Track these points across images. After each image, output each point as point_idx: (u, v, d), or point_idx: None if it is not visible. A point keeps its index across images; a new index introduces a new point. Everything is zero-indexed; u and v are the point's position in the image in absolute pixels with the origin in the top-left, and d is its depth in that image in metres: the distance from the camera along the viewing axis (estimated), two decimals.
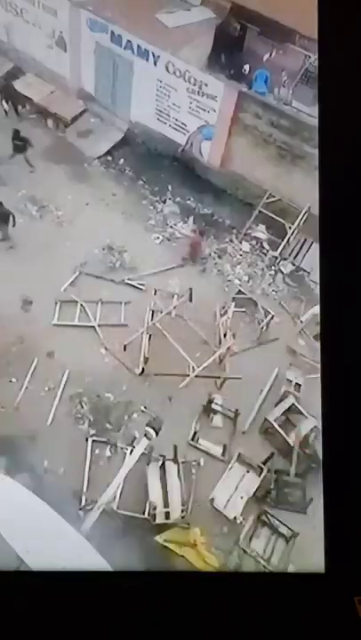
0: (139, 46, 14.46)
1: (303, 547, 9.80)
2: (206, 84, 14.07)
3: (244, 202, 14.99)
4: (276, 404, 11.60)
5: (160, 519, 9.93)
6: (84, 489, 10.27)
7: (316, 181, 8.86)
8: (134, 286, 13.15)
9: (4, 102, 15.65)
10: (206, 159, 15.28)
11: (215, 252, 14.22)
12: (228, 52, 15.02)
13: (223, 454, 11.10)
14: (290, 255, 14.42)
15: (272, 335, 12.89)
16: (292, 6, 13.07)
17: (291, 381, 11.92)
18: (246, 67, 14.90)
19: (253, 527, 10.16)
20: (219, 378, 11.87)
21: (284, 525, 10.12)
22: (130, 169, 15.59)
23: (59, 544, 8.61)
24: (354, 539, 7.78)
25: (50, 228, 13.90)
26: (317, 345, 12.32)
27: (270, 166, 14.39)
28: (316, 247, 13.93)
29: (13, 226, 13.02)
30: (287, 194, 14.33)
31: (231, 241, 14.57)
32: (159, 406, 11.31)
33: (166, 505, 10.06)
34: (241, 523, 10.15)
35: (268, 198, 14.43)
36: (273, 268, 14.25)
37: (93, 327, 12.33)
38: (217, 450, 11.15)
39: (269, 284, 13.99)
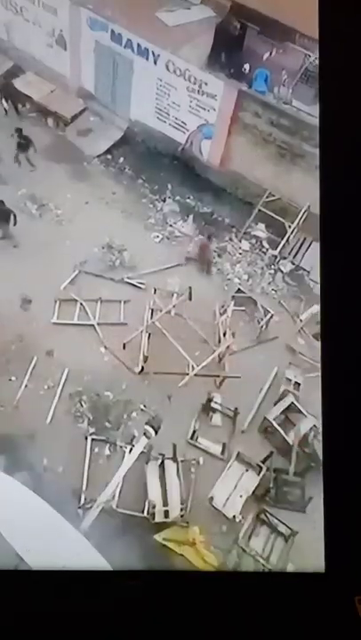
0: (139, 45, 14.46)
1: (302, 545, 9.81)
2: (206, 83, 14.07)
3: (244, 201, 15.00)
4: (276, 403, 11.61)
5: (159, 518, 9.93)
6: (84, 487, 10.27)
7: (316, 180, 8.86)
8: (134, 285, 13.16)
9: (3, 101, 15.65)
10: (206, 158, 15.28)
11: (215, 251, 14.21)
12: (228, 50, 15.00)
13: (222, 453, 11.11)
14: (289, 254, 14.43)
15: (271, 334, 12.90)
16: (292, 5, 13.08)
17: (290, 380, 11.93)
18: (246, 66, 14.88)
19: (252, 526, 10.16)
20: (218, 377, 11.87)
21: (283, 524, 10.12)
22: (130, 168, 15.59)
23: (58, 542, 8.63)
24: (354, 538, 7.79)
25: (49, 226, 13.90)
26: (317, 344, 12.39)
27: (270, 165, 14.39)
28: (315, 246, 13.94)
29: (14, 225, 13.03)
30: (287, 193, 14.34)
31: (231, 240, 14.58)
32: (158, 405, 11.31)
33: (165, 503, 10.05)
34: (240, 521, 10.15)
35: (267, 197, 14.44)
36: (273, 266, 14.26)
37: (93, 326, 12.33)
38: (216, 448, 11.16)
39: (269, 283, 14.00)
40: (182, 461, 10.62)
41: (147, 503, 10.04)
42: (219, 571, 9.50)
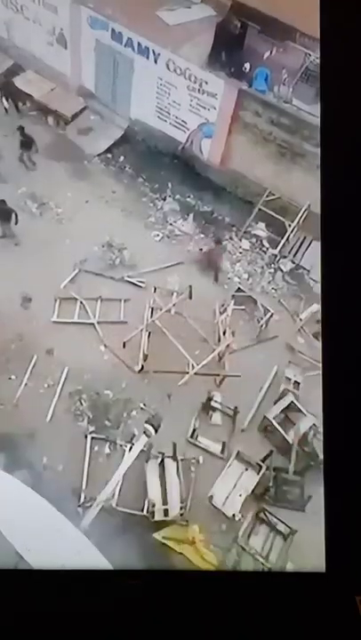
0: (139, 44, 14.46)
1: (301, 544, 9.83)
2: (207, 82, 14.07)
3: (244, 200, 14.99)
4: (276, 402, 11.62)
5: (159, 516, 9.94)
6: (84, 486, 10.27)
7: (316, 179, 8.87)
8: (134, 283, 13.16)
9: (4, 100, 15.64)
10: (206, 157, 15.28)
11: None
12: (229, 49, 14.99)
13: (222, 452, 11.12)
14: (289, 253, 14.43)
15: (271, 333, 12.90)
16: (292, 4, 13.08)
17: (290, 379, 11.94)
18: (247, 65, 14.87)
19: (252, 524, 10.18)
20: (218, 375, 11.88)
21: (283, 523, 10.14)
22: (130, 166, 15.59)
23: (58, 541, 8.65)
24: (354, 538, 7.81)
25: (50, 225, 13.90)
26: (316, 343, 12.43)
27: (270, 164, 14.39)
28: (315, 245, 13.94)
29: (16, 224, 13.06)
30: (287, 192, 14.33)
31: (231, 239, 14.58)
32: (158, 403, 11.31)
33: (165, 502, 10.07)
34: (239, 520, 10.17)
35: (267, 196, 14.44)
36: (273, 265, 14.26)
37: (93, 324, 12.34)
38: (216, 447, 11.17)
39: (269, 282, 14.00)
40: (182, 460, 10.62)
41: (146, 502, 10.05)
42: (219, 570, 9.52)
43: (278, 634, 7.59)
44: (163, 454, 10.54)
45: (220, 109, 14.26)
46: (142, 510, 10.01)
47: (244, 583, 8.40)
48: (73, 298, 12.61)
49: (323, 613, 7.63)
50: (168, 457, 10.54)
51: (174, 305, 12.17)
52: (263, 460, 10.73)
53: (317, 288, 13.34)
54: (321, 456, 10.57)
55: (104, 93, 16.01)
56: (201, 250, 14.11)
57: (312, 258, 14.02)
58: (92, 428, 11.01)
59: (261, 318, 12.91)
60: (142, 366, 11.72)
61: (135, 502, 10.13)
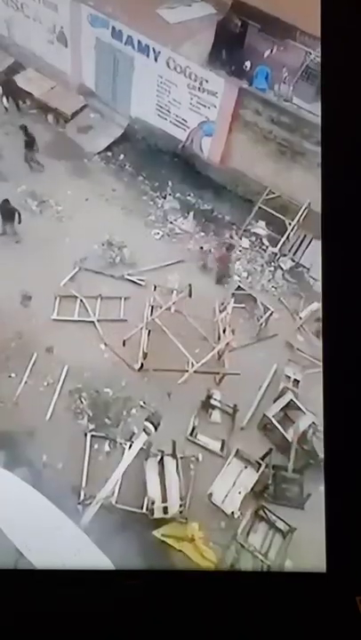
0: (139, 42, 14.45)
1: (300, 542, 9.86)
2: (207, 81, 14.06)
3: (244, 198, 14.99)
4: (275, 400, 11.63)
5: (158, 514, 9.96)
6: (83, 484, 10.30)
7: (317, 178, 8.87)
8: (134, 282, 13.18)
9: (4, 98, 15.63)
10: (207, 155, 15.28)
11: (215, 248, 14.22)
12: (229, 48, 14.99)
13: (222, 450, 11.14)
14: (289, 251, 14.44)
15: (271, 331, 12.92)
16: (292, 3, 13.09)
17: (289, 377, 11.94)
18: (247, 63, 14.87)
19: (251, 522, 10.21)
20: (218, 373, 11.90)
21: (282, 520, 10.16)
22: (130, 165, 15.59)
23: (57, 538, 8.66)
24: (355, 539, 7.82)
25: (50, 223, 13.92)
26: (316, 341, 12.45)
27: (270, 163, 14.38)
28: (315, 243, 13.95)
29: (19, 222, 13.08)
30: (287, 190, 14.33)
31: (231, 237, 14.57)
32: (158, 402, 11.32)
33: (165, 500, 10.08)
34: (239, 518, 10.19)
35: (267, 195, 14.43)
36: (272, 264, 14.27)
37: (93, 322, 12.36)
38: (215, 445, 11.20)
39: (269, 281, 14.01)
40: (182, 458, 10.64)
41: (146, 499, 10.08)
42: (220, 570, 9.53)
43: (279, 634, 7.61)
44: (162, 452, 10.56)
45: (221, 108, 14.25)
46: (142, 508, 10.03)
47: (245, 583, 8.42)
48: (73, 296, 12.63)
49: (323, 614, 7.64)
50: (168, 455, 10.56)
51: (174, 303, 12.18)
52: (262, 458, 10.74)
53: (317, 286, 13.41)
54: (320, 454, 10.63)
55: (104, 91, 16.01)
56: (201, 248, 14.11)
57: (312, 256, 14.03)
58: (91, 426, 11.03)
59: (261, 316, 12.92)
60: (142, 364, 11.74)
61: (135, 500, 10.15)
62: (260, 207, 14.46)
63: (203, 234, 14.56)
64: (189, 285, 12.24)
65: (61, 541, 8.65)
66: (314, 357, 12.10)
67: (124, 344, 12.06)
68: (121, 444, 10.81)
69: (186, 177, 15.42)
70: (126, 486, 10.20)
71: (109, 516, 9.78)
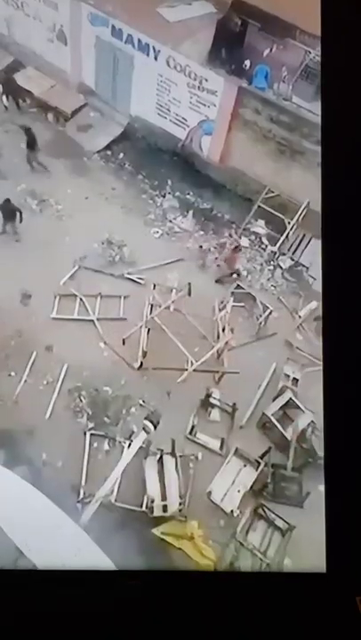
0: (139, 40, 14.45)
1: (299, 540, 9.88)
2: (207, 79, 14.07)
3: (244, 197, 15.00)
4: (274, 399, 11.65)
5: (158, 512, 9.97)
6: (83, 482, 10.31)
7: (316, 177, 8.88)
8: (133, 280, 13.19)
9: (4, 97, 15.63)
10: (206, 154, 15.28)
11: (214, 247, 14.24)
12: (229, 47, 14.99)
13: (221, 448, 11.16)
14: (289, 250, 14.45)
15: (270, 330, 12.93)
16: (292, 2, 13.10)
17: (288, 376, 11.96)
18: (247, 62, 14.86)
19: (250, 520, 10.21)
20: (217, 372, 11.92)
21: (281, 519, 10.17)
22: (130, 163, 15.59)
23: (57, 536, 8.67)
24: (355, 539, 7.83)
25: (49, 222, 13.91)
26: (315, 340, 12.47)
27: (270, 162, 14.39)
28: (315, 242, 13.97)
29: (20, 222, 13.09)
30: (286, 189, 14.34)
31: (230, 236, 14.58)
32: (157, 400, 11.33)
33: (164, 498, 10.10)
34: (238, 516, 10.20)
35: (267, 193, 14.43)
36: (272, 263, 14.28)
37: (92, 321, 12.37)
38: (215, 444, 11.21)
39: (268, 279, 14.02)
40: (181, 456, 10.65)
41: (145, 498, 10.09)
42: (219, 571, 9.52)
43: (279, 634, 7.61)
44: (162, 451, 10.57)
45: (220, 107, 14.26)
46: (141, 506, 10.05)
47: (245, 584, 8.43)
48: (72, 294, 12.64)
49: (323, 614, 7.66)
50: (167, 453, 10.57)
51: (173, 302, 12.20)
52: (262, 457, 10.76)
53: (316, 285, 13.43)
54: (319, 453, 10.66)
55: (104, 90, 16.00)
56: (201, 247, 14.13)
57: (311, 255, 14.05)
58: (91, 425, 11.04)
59: (260, 315, 12.94)
60: (141, 363, 11.76)
61: (134, 498, 10.16)
62: (259, 206, 14.46)
63: (202, 233, 14.57)
64: (189, 284, 12.26)
65: (61, 540, 8.66)
66: (313, 356, 12.12)
67: (123, 343, 12.07)
68: (120, 442, 10.82)
69: (185, 176, 15.43)
70: (126, 485, 10.21)
71: (109, 515, 9.80)
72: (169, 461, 10.53)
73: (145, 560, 9.51)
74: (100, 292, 12.73)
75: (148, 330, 11.97)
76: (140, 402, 11.38)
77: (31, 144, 14.40)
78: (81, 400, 11.29)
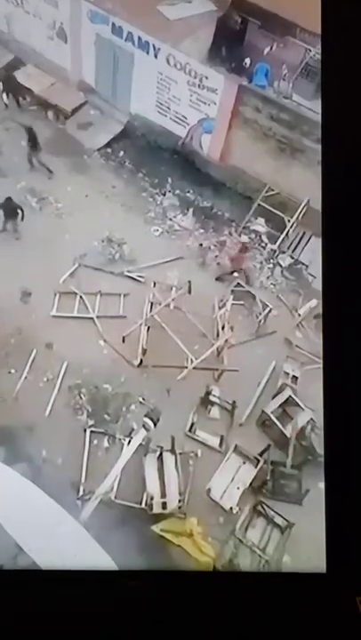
0: (140, 38, 14.44)
1: (298, 537, 9.91)
2: (207, 77, 14.06)
3: (244, 195, 15.00)
4: (274, 397, 11.66)
5: (157, 509, 10.00)
6: (83, 479, 10.34)
7: (316, 175, 8.89)
8: (133, 278, 13.19)
9: (4, 95, 15.62)
10: (206, 152, 15.28)
11: (214, 245, 14.25)
12: (229, 44, 15.00)
13: (220, 445, 11.18)
14: (288, 248, 14.46)
15: (270, 328, 12.94)
16: (293, 0, 13.11)
17: (288, 374, 11.98)
18: (247, 60, 14.87)
19: (249, 517, 10.24)
20: (217, 370, 11.94)
21: (280, 516, 10.20)
22: (130, 161, 15.59)
23: (57, 533, 8.68)
24: (355, 539, 7.84)
25: (49, 219, 13.92)
26: (314, 338, 12.49)
27: (270, 160, 14.40)
28: (314, 240, 13.98)
29: (22, 220, 13.11)
30: (286, 187, 14.35)
31: (230, 234, 14.59)
32: (157, 398, 11.35)
33: (163, 495, 10.12)
34: (237, 513, 10.23)
35: (267, 192, 14.44)
36: (272, 261, 14.29)
37: (92, 319, 12.38)
38: (214, 441, 11.24)
39: (268, 277, 14.04)
40: (180, 454, 10.68)
41: (145, 495, 10.11)
42: (220, 571, 9.54)
43: (279, 635, 7.63)
44: (161, 448, 10.59)
45: (221, 105, 14.25)
46: (141, 503, 10.07)
47: (245, 584, 8.45)
48: (72, 292, 12.66)
49: (323, 614, 7.67)
50: (167, 450, 10.60)
51: (173, 300, 12.22)
52: (261, 454, 10.78)
53: (316, 283, 13.45)
54: (318, 450, 10.69)
55: (104, 88, 16.00)
56: (201, 245, 14.14)
57: (311, 253, 14.06)
58: (91, 422, 11.06)
59: (260, 313, 12.96)
60: (141, 361, 11.77)
61: (134, 495, 10.18)
62: (259, 204, 14.47)
63: (202, 231, 14.58)
64: (189, 282, 12.28)
65: (61, 536, 8.67)
66: (312, 354, 12.14)
67: (123, 340, 12.09)
68: (120, 439, 10.83)
69: (185, 174, 15.43)
70: (125, 482, 10.22)
71: (108, 512, 9.82)
72: (168, 458, 10.55)
73: (144, 557, 9.53)
74: (100, 290, 12.74)
75: (148, 327, 11.98)
76: (140, 399, 11.41)
77: (33, 144, 14.38)
78: (81, 397, 11.31)
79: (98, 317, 12.39)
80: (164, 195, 15.07)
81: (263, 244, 14.53)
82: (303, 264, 14.26)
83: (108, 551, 8.61)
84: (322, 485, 8.11)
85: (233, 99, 14.03)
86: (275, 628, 7.58)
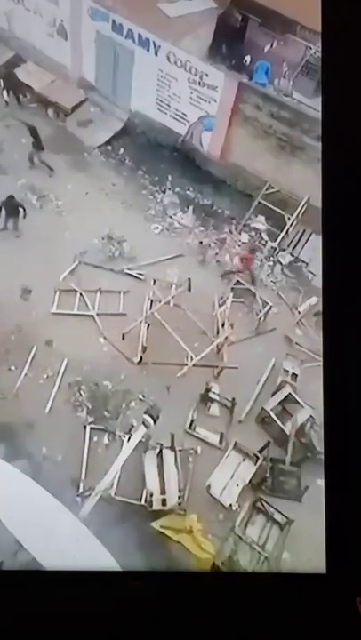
0: (140, 35, 14.43)
1: (298, 534, 9.93)
2: (207, 75, 14.06)
3: (244, 193, 14.99)
4: (273, 394, 11.68)
5: (157, 506, 10.02)
6: (83, 476, 10.35)
7: (316, 172, 8.92)
8: (133, 276, 13.20)
9: (4, 92, 15.60)
10: (206, 150, 15.28)
11: (214, 243, 14.25)
12: (230, 42, 14.96)
13: (220, 442, 11.21)
14: (288, 246, 14.46)
15: (270, 325, 12.96)
16: None
17: (287, 371, 11.99)
18: (247, 57, 14.84)
19: (249, 514, 10.26)
20: (216, 367, 11.95)
21: (279, 513, 10.23)
22: (130, 159, 15.58)
23: (57, 529, 8.71)
24: (355, 540, 7.87)
25: (50, 217, 13.91)
26: (314, 335, 12.51)
27: (270, 157, 14.40)
28: (314, 238, 13.98)
29: (24, 217, 13.11)
30: (287, 185, 14.35)
31: (230, 232, 14.60)
32: (157, 395, 11.37)
33: (163, 492, 10.15)
34: (237, 510, 10.25)
35: (267, 189, 14.44)
36: (272, 258, 14.29)
37: (92, 316, 12.39)
38: (214, 438, 11.26)
39: (268, 275, 14.04)
40: (180, 450, 10.70)
41: (145, 491, 10.13)
42: (220, 571, 9.55)
43: (279, 635, 7.66)
44: (161, 445, 10.62)
45: (221, 102, 14.25)
46: (140, 500, 10.08)
47: (245, 584, 8.48)
48: (72, 290, 12.66)
49: (323, 615, 7.70)
50: (166, 447, 10.62)
51: (173, 297, 12.23)
52: (260, 451, 10.82)
53: (316, 281, 13.46)
54: (317, 447, 10.72)
55: (104, 85, 15.98)
56: (201, 243, 14.15)
57: (311, 251, 14.06)
58: (91, 419, 11.08)
59: (260, 311, 12.98)
60: (141, 358, 11.79)
61: (134, 492, 10.20)
62: (259, 202, 14.47)
63: (202, 228, 14.58)
64: (188, 280, 12.29)
65: (61, 533, 8.70)
66: (312, 351, 12.16)
67: (123, 338, 12.10)
68: (120, 436, 10.85)
69: (185, 171, 15.42)
70: (125, 478, 10.24)
71: (108, 508, 9.84)
72: (168, 455, 10.57)
73: (144, 553, 9.55)
74: (100, 288, 12.75)
75: (148, 325, 11.99)
76: (140, 396, 11.42)
77: (37, 144, 14.38)
78: (81, 394, 11.33)
79: (98, 315, 12.39)
80: (165, 192, 15.07)
81: (263, 242, 14.53)
82: (303, 262, 14.27)
83: (108, 548, 8.65)
84: (321, 482, 8.15)
85: (233, 96, 14.03)
86: (275, 629, 7.62)
